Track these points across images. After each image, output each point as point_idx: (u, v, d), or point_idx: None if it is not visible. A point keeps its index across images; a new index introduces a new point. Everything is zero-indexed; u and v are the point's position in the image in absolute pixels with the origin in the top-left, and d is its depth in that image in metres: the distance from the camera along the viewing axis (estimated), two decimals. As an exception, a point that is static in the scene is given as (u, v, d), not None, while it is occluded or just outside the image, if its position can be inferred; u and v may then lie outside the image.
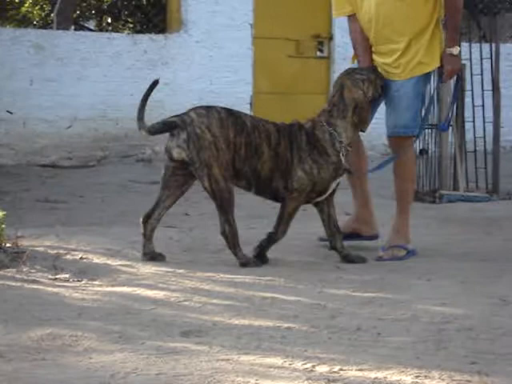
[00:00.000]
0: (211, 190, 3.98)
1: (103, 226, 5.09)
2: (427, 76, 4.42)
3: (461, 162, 6.49)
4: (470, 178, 6.61)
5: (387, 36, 4.33)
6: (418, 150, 6.71)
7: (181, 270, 3.93)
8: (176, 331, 2.96)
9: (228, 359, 2.64)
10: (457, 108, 6.46)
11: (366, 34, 4.40)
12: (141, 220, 4.12)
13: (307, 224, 4.76)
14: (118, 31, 10.35)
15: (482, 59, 6.50)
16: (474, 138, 6.62)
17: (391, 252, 4.32)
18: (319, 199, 4.20)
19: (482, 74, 6.48)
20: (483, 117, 6.51)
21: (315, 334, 2.96)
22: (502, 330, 3.00)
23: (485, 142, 6.27)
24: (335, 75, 9.43)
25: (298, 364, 2.60)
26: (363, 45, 4.42)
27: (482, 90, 6.49)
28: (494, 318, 3.18)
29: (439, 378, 2.49)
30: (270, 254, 4.21)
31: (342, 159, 4.14)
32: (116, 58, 8.65)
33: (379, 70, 4.33)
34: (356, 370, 2.56)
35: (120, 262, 4.09)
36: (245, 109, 9.03)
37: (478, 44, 6.71)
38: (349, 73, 4.26)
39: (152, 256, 4.13)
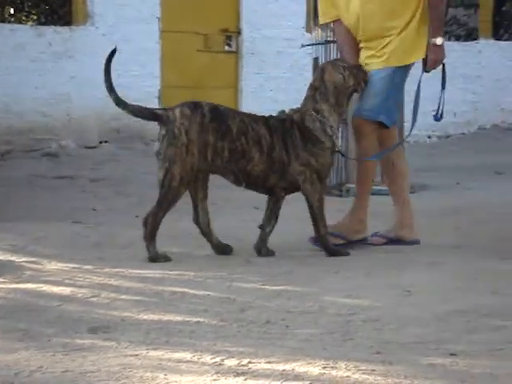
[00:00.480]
0: (162, 183, 4.01)
1: (7, 222, 4.98)
2: (407, 67, 4.46)
3: (367, 156, 6.59)
4: (377, 171, 6.71)
5: (376, 32, 4.40)
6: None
7: (88, 266, 3.88)
8: (83, 328, 2.93)
9: (136, 355, 2.63)
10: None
11: (354, 33, 4.48)
12: (193, 223, 4.22)
13: (217, 218, 4.75)
14: (20, 22, 10.12)
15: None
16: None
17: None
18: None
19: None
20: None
21: (224, 328, 2.97)
22: (406, 320, 3.08)
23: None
24: (243, 70, 9.54)
25: (207, 358, 2.61)
26: (351, 45, 4.51)
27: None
28: (399, 308, 3.26)
29: (345, 369, 2.54)
30: (177, 247, 4.20)
31: (336, 142, 4.25)
32: (19, 50, 8.46)
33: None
34: (264, 362, 2.58)
35: (25, 259, 4.01)
36: (153, 103, 8.98)
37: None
38: (332, 60, 4.47)
39: (220, 248, 4.24)
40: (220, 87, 9.64)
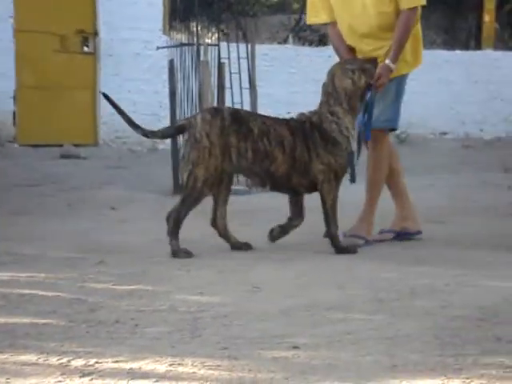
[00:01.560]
0: (187, 182, 4.22)
1: None
2: (407, 75, 4.68)
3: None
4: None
5: (371, 44, 4.53)
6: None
7: None
8: None
9: (-21, 359, 2.59)
10: (218, 105, 6.68)
11: (348, 41, 4.58)
12: (211, 225, 4.42)
13: (72, 220, 4.74)
14: None
15: (239, 59, 6.75)
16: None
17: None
18: None
19: (239, 73, 6.74)
20: (243, 113, 6.76)
21: (73, 329, 2.96)
22: (253, 316, 3.17)
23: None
24: (101, 71, 9.45)
25: (54, 359, 2.60)
26: (345, 45, 4.58)
27: (241, 88, 6.75)
28: (247, 304, 3.35)
29: (192, 365, 2.60)
30: (31, 249, 4.14)
31: (352, 142, 4.33)
32: None
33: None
34: (112, 362, 2.61)
35: None
36: (8, 103, 8.77)
37: (236, 44, 6.94)
38: (341, 62, 4.45)
39: (238, 246, 4.40)
40: (77, 88, 9.53)
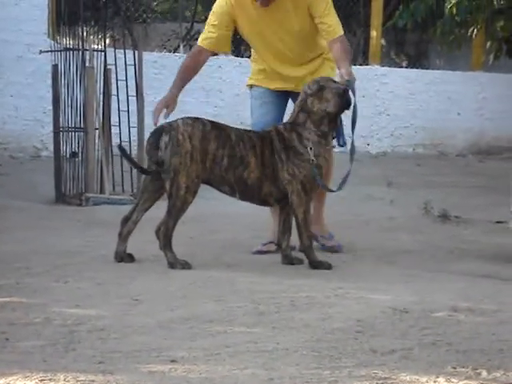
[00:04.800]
0: (170, 193, 4.15)
1: None
2: None
3: (107, 165, 6.58)
4: (117, 181, 6.74)
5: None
6: (69, 153, 6.72)
7: None
8: None
9: None
10: (103, 112, 6.58)
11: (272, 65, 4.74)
12: (120, 221, 4.30)
13: None
14: None
15: (126, 65, 6.65)
16: (120, 141, 6.73)
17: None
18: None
19: (126, 80, 6.64)
20: (128, 122, 6.67)
21: None
22: (131, 329, 3.10)
23: (130, 146, 6.41)
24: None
25: None
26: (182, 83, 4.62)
27: (127, 96, 6.66)
28: (126, 317, 3.28)
29: (64, 380, 2.51)
30: None
31: (310, 153, 4.25)
32: None
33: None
34: (-22, 377, 2.49)
35: None
36: None
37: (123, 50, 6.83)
38: (314, 83, 4.37)
39: (122, 256, 4.30)
40: None
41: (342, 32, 4.61)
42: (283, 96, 4.85)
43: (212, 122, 4.32)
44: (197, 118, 4.30)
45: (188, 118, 4.29)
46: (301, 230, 4.33)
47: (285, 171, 4.27)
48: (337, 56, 4.52)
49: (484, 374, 2.66)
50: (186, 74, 4.67)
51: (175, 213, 4.19)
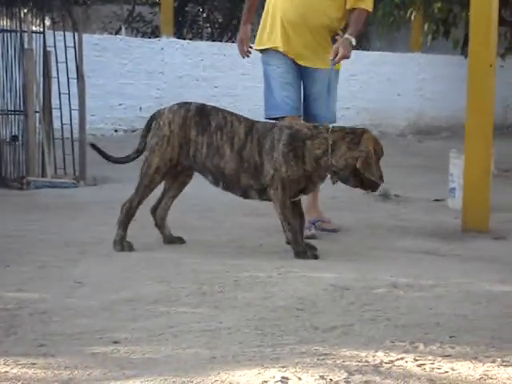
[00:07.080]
0: (141, 170, 4.23)
1: None
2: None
3: (48, 148, 6.52)
4: (59, 164, 6.68)
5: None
6: (9, 137, 6.64)
7: None
8: None
9: None
10: (43, 95, 6.50)
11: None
12: (150, 212, 4.42)
13: None
14: None
15: (66, 48, 6.58)
16: (62, 125, 6.69)
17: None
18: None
19: (66, 62, 6.57)
20: (69, 104, 6.61)
21: None
22: (73, 311, 3.09)
23: (72, 129, 6.36)
24: None
25: None
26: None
27: (68, 78, 6.59)
28: (68, 300, 3.27)
29: (4, 364, 2.50)
30: None
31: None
32: None
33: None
34: None
35: None
36: None
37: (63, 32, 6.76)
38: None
39: (170, 240, 4.41)
40: None
41: (367, 6, 4.74)
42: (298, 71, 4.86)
43: (201, 109, 4.26)
44: (185, 103, 4.32)
45: (178, 103, 4.33)
46: (282, 223, 4.21)
47: (271, 167, 4.14)
48: (351, 21, 4.69)
49: (421, 347, 2.72)
50: (251, 2, 4.98)
51: (141, 190, 4.25)
